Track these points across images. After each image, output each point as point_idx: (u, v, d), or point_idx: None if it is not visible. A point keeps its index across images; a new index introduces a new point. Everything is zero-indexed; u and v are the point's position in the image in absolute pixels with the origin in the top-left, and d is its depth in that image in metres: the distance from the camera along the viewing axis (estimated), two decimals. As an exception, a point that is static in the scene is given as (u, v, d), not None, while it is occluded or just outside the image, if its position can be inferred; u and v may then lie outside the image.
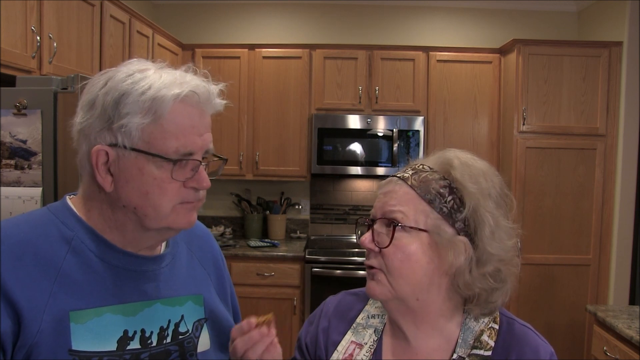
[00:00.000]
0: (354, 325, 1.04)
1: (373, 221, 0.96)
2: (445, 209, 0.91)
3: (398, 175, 0.97)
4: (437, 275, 0.93)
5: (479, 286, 0.92)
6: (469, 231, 0.92)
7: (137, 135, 0.86)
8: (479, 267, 0.91)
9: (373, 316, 1.04)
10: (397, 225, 0.91)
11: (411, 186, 0.94)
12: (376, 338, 1.00)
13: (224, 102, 0.94)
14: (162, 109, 0.85)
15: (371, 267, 0.95)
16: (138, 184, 0.87)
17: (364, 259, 0.98)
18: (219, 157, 0.96)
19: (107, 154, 0.87)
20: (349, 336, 1.02)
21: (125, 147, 0.86)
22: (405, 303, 0.94)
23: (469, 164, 0.95)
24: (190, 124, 0.88)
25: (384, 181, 1.00)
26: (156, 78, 0.87)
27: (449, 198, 0.92)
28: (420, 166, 0.97)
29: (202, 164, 0.90)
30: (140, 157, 0.86)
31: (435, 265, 0.92)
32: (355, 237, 1.06)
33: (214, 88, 0.92)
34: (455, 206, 0.92)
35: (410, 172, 0.96)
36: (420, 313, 0.95)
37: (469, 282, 0.92)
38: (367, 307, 1.06)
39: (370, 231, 0.94)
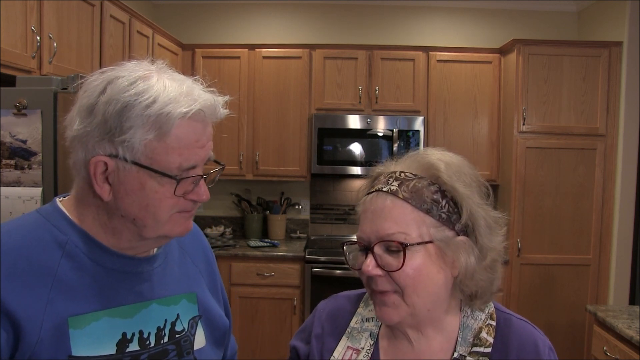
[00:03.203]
0: (348, 329, 1.01)
1: (367, 247, 0.90)
2: (443, 215, 0.89)
3: (384, 189, 0.90)
4: (446, 281, 0.92)
5: (483, 280, 0.92)
6: (467, 230, 0.91)
7: (139, 150, 0.84)
8: (480, 261, 0.91)
9: (367, 319, 1.02)
10: (407, 246, 0.87)
11: (404, 199, 0.88)
12: (372, 342, 0.98)
13: (227, 112, 0.93)
14: (168, 126, 0.83)
15: (382, 292, 0.90)
16: (139, 197, 0.86)
17: (366, 285, 0.93)
18: (218, 162, 0.96)
19: (105, 164, 0.85)
20: (344, 341, 1.00)
21: (126, 160, 0.84)
22: (416, 317, 0.92)
23: (451, 163, 0.92)
24: (195, 138, 0.87)
25: (367, 197, 0.93)
26: (160, 89, 0.84)
27: (444, 203, 0.89)
28: (402, 174, 0.91)
29: (203, 176, 0.90)
30: (142, 171, 0.85)
31: (444, 272, 0.91)
32: (347, 256, 0.98)
33: (220, 100, 0.91)
34: (450, 209, 0.90)
35: (396, 184, 0.90)
36: (425, 320, 0.94)
37: (476, 279, 0.92)
38: (359, 310, 1.04)
39: (370, 257, 0.89)
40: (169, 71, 0.90)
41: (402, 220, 0.88)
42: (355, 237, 1.00)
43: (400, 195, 0.89)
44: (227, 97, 0.93)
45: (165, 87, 0.85)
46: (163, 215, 0.88)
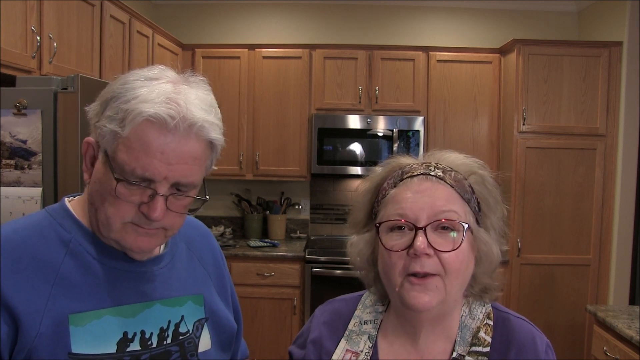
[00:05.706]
0: (346, 332, 1.01)
1: (415, 225, 0.88)
2: (476, 208, 0.94)
3: (431, 173, 0.92)
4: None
5: (492, 274, 0.96)
6: (485, 226, 0.95)
7: (108, 140, 0.84)
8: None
9: (365, 322, 1.01)
10: (468, 227, 0.89)
11: (451, 185, 0.91)
12: (371, 344, 0.98)
13: (221, 138, 0.88)
14: (132, 124, 0.82)
15: (425, 275, 0.88)
16: (99, 188, 0.87)
17: (403, 267, 0.88)
18: (194, 197, 0.89)
19: (93, 148, 0.89)
20: (343, 344, 0.99)
21: (99, 146, 0.87)
22: (445, 305, 0.91)
23: (483, 165, 0.98)
24: (160, 149, 0.82)
25: (409, 179, 0.92)
26: (152, 90, 0.83)
27: (474, 197, 0.94)
28: (440, 165, 0.94)
29: (161, 194, 0.83)
30: (106, 162, 0.86)
31: (472, 262, 0.93)
32: (379, 242, 0.92)
33: (210, 120, 0.85)
34: (479, 205, 0.94)
35: (440, 172, 0.92)
36: (445, 312, 0.94)
37: (487, 273, 0.95)
38: (357, 313, 1.03)
39: (422, 235, 0.87)
40: (201, 84, 0.89)
41: (452, 202, 0.90)
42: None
43: (448, 181, 0.92)
44: (221, 125, 0.88)
45: (158, 91, 0.83)
46: (114, 219, 0.86)
